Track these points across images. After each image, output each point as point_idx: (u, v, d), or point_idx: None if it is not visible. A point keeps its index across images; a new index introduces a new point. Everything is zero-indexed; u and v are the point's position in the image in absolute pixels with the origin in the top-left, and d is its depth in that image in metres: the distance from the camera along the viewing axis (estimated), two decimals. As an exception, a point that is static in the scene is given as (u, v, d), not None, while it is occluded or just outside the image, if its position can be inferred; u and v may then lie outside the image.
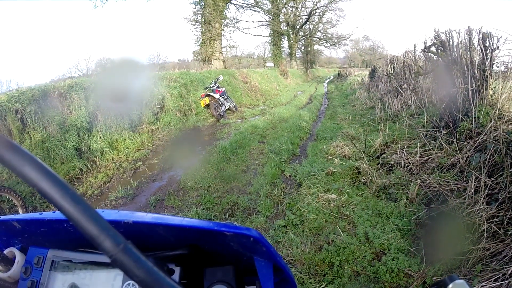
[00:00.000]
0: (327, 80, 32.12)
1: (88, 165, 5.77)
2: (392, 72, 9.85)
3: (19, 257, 0.75)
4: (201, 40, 21.18)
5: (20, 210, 3.92)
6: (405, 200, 3.51)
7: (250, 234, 0.61)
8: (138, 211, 3.60)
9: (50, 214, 0.72)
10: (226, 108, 10.62)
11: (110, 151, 6.36)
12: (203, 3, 20.82)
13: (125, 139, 6.90)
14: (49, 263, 0.74)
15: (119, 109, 6.72)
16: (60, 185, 0.35)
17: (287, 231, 3.22)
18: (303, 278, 2.51)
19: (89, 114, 6.35)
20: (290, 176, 4.86)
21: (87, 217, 0.36)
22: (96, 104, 6.46)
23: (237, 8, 28.81)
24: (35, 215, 0.74)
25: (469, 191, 3.13)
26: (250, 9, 29.24)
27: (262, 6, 29.45)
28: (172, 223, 0.66)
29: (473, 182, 3.15)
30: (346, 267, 2.59)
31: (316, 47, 40.90)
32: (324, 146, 5.85)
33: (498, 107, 4.13)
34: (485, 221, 2.71)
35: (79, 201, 0.36)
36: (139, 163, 6.16)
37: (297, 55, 37.08)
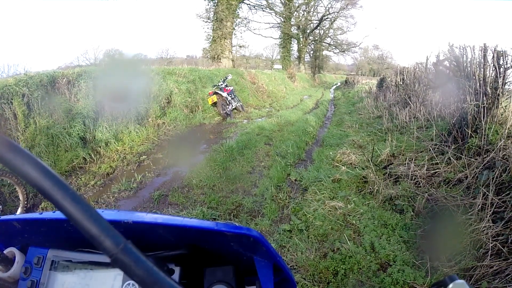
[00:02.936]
0: (334, 86, 32.11)
1: (92, 155, 5.73)
2: (402, 83, 9.83)
3: (19, 257, 0.76)
4: (211, 37, 21.18)
5: (20, 196, 3.90)
6: (411, 213, 3.50)
7: (250, 234, 0.62)
8: (141, 205, 3.60)
9: (50, 214, 0.72)
10: (233, 107, 10.62)
11: (115, 142, 6.34)
12: (216, 1, 20.82)
13: (130, 131, 6.88)
14: (49, 263, 0.75)
15: (125, 100, 6.71)
16: (60, 185, 0.36)
17: (292, 236, 3.21)
18: (307, 285, 2.50)
19: (96, 103, 6.31)
20: (295, 180, 4.84)
21: (87, 217, 0.36)
22: (104, 94, 6.44)
23: (250, 8, 28.76)
24: (35, 215, 0.74)
25: (476, 208, 3.11)
26: (262, 10, 29.26)
27: (274, 8, 29.48)
28: (172, 223, 0.67)
29: (480, 199, 3.14)
30: (351, 276, 2.58)
31: (325, 52, 41.03)
32: (331, 153, 5.84)
33: (508, 126, 4.11)
34: (490, 239, 2.71)
35: (79, 201, 0.36)
36: (143, 156, 6.14)
37: (305, 59, 37.15)
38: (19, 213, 3.81)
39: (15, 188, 3.94)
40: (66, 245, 0.75)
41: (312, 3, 32.22)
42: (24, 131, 5.06)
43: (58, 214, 0.70)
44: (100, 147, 6.00)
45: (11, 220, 0.75)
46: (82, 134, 5.80)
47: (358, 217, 3.45)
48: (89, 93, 6.27)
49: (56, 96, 5.73)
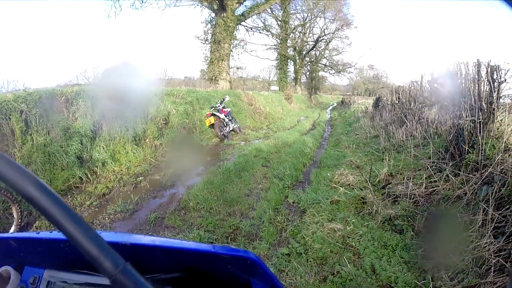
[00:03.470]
0: (330, 107, 32.36)
1: (88, 175, 5.66)
2: (397, 101, 9.92)
3: (14, 276, 0.75)
4: (209, 59, 21.45)
5: (14, 214, 3.84)
6: (412, 232, 3.45)
7: (247, 256, 0.62)
8: (137, 227, 3.53)
9: (47, 233, 0.72)
10: (231, 129, 10.68)
11: (111, 163, 6.28)
12: (214, 23, 21.23)
13: (127, 152, 6.84)
14: (45, 283, 0.74)
15: (123, 120, 6.71)
16: (61, 205, 0.36)
17: (290, 260, 3.14)
18: (306, 310, 2.42)
19: (94, 122, 6.29)
20: (293, 202, 4.80)
21: (88, 238, 0.36)
22: (102, 113, 6.43)
23: (247, 30, 29.20)
24: (32, 234, 0.74)
25: (477, 224, 3.07)
26: (259, 32, 29.84)
27: (271, 29, 30.09)
28: (170, 246, 0.67)
29: (480, 215, 3.11)
30: (352, 300, 2.51)
31: (321, 73, 41.53)
32: (328, 174, 5.81)
33: (504, 139, 4.11)
34: (492, 255, 2.66)
35: (80, 222, 0.37)
36: (140, 177, 6.08)
37: (302, 81, 37.63)
38: (12, 231, 3.75)
39: (10, 205, 3.87)
40: (63, 266, 0.74)
41: (308, 25, 33.02)
42: (21, 147, 5.01)
43: (56, 234, 0.70)
44: (97, 167, 5.94)
45: (7, 238, 0.75)
46: (79, 153, 5.75)
47: (358, 239, 3.40)
48: (87, 112, 6.25)
49: (54, 114, 5.70)
